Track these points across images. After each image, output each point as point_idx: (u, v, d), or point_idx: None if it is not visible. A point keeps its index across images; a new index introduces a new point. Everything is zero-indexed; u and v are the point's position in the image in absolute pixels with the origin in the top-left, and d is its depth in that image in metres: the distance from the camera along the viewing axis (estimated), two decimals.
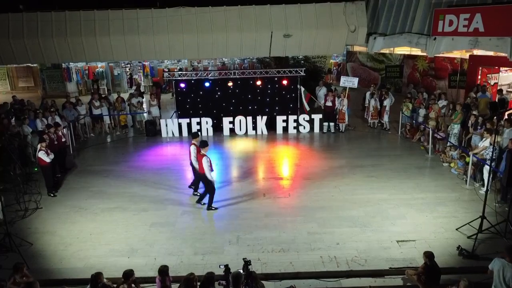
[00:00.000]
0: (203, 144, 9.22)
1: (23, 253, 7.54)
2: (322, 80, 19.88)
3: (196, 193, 10.12)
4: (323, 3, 18.16)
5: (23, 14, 17.69)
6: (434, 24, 15.59)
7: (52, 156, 10.18)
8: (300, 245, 7.80)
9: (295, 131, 15.50)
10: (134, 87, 26.22)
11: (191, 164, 9.82)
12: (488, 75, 17.68)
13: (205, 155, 8.98)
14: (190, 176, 11.57)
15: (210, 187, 9.31)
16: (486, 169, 9.60)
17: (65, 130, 13.20)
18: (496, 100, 14.36)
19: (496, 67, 17.42)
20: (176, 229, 8.52)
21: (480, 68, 17.62)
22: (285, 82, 15.29)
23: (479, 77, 17.81)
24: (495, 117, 8.56)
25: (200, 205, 9.51)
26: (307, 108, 15.53)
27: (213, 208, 9.36)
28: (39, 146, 9.99)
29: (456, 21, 14.78)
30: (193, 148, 9.59)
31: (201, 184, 9.85)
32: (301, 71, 15.24)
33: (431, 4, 16.44)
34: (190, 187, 10.35)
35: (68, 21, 17.73)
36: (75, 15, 17.78)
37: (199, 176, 9.46)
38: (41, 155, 9.83)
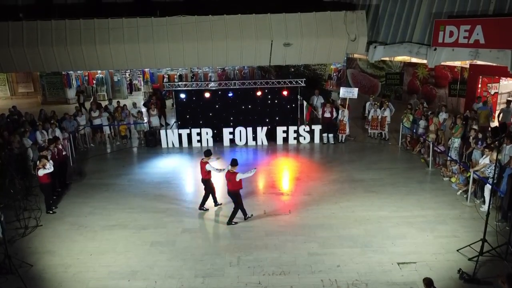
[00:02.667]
0: (235, 162, 9.31)
1: (23, 275, 7.51)
2: (321, 87, 19.84)
3: (203, 207, 10.23)
4: (323, 12, 18.14)
5: (23, 22, 17.64)
6: (434, 35, 15.59)
7: (51, 163, 10.05)
8: (301, 267, 7.78)
9: (295, 141, 15.49)
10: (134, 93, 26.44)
11: (203, 181, 9.97)
12: (488, 85, 17.72)
13: (238, 173, 9.19)
14: (190, 191, 11.65)
15: (239, 203, 9.44)
16: (487, 187, 9.59)
17: (65, 142, 13.20)
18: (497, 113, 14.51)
19: (497, 77, 17.46)
20: (176, 249, 8.50)
21: (481, 77, 17.66)
22: (285, 92, 15.27)
23: (479, 86, 17.87)
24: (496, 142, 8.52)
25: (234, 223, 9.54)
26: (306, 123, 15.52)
27: (234, 223, 9.46)
28: (38, 164, 9.94)
29: (456, 32, 14.77)
30: (208, 167, 9.75)
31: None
32: (302, 81, 15.22)
33: (432, 14, 16.43)
34: (201, 208, 10.28)
35: (68, 30, 17.69)
36: (75, 23, 17.74)
37: (230, 193, 9.43)
38: (41, 173, 9.78)
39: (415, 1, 17.29)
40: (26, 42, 17.59)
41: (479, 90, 17.86)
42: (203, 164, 9.87)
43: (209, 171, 9.89)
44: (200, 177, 10.10)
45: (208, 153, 10.00)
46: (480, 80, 17.75)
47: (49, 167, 9.91)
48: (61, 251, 8.52)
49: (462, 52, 15.11)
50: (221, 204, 10.35)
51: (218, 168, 10.05)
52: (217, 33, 18.00)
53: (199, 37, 17.94)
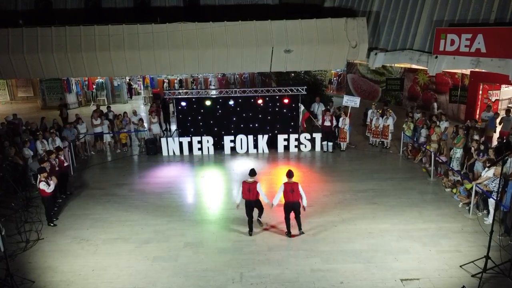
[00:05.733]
0: (292, 173, 9.21)
1: None
2: (322, 93, 19.82)
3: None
4: (323, 19, 18.13)
5: (23, 29, 17.59)
6: (435, 43, 15.58)
7: (54, 182, 10.03)
8: (304, 284, 7.74)
9: (296, 149, 15.48)
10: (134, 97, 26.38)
11: (255, 202, 9.40)
12: (489, 92, 17.72)
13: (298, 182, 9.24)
14: (191, 202, 11.61)
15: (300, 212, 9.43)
16: (491, 201, 9.57)
17: (66, 150, 13.15)
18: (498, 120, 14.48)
19: (497, 84, 17.44)
20: (178, 265, 8.46)
21: (481, 84, 17.65)
22: (286, 100, 15.24)
23: (480, 92, 17.86)
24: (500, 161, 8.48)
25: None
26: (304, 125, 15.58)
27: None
28: (39, 176, 9.89)
29: (457, 41, 14.77)
30: (259, 186, 9.30)
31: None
32: (302, 89, 15.19)
33: (433, 22, 16.41)
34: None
35: (68, 36, 17.65)
36: (75, 30, 17.70)
37: (295, 204, 9.15)
38: (43, 186, 9.73)
39: (416, 8, 17.28)
40: (26, 49, 17.55)
41: (479, 97, 17.89)
42: (252, 185, 9.22)
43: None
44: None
45: (254, 172, 9.34)
46: (481, 87, 17.77)
47: (52, 187, 9.87)
48: (62, 267, 8.47)
49: (463, 61, 15.10)
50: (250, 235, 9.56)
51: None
52: (217, 40, 17.97)
53: (199, 43, 17.92)
